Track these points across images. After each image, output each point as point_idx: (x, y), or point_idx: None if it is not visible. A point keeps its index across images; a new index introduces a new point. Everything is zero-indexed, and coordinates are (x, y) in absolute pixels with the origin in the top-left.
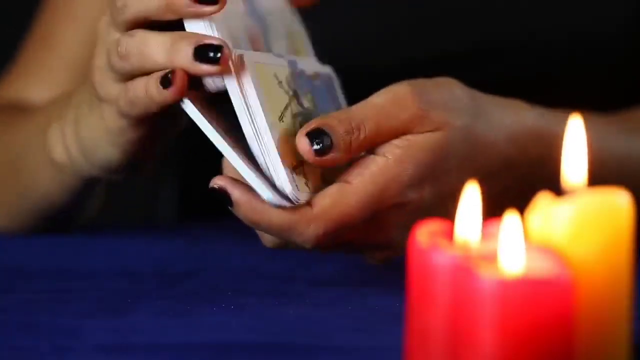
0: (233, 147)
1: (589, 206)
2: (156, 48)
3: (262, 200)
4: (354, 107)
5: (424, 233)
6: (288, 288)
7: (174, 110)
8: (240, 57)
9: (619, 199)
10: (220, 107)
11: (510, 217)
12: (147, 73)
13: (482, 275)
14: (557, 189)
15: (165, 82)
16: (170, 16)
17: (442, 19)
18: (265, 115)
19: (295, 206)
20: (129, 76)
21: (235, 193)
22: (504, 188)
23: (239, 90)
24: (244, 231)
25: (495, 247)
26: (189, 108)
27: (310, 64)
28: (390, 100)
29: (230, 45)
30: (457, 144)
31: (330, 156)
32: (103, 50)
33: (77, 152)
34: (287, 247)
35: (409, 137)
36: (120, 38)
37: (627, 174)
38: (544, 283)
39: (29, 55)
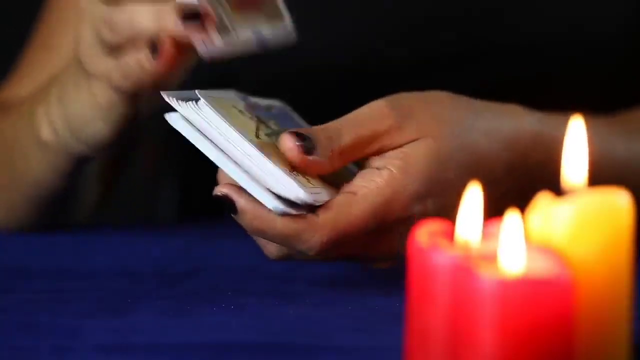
0: (233, 163)
1: (589, 206)
2: (145, 16)
3: (267, 209)
4: (332, 122)
5: (424, 233)
6: (288, 288)
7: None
8: (197, 100)
9: (619, 199)
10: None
11: (511, 217)
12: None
13: (482, 275)
14: (558, 191)
15: (154, 50)
16: None
17: (442, 20)
18: (242, 135)
19: (300, 215)
20: (119, 49)
21: (241, 201)
22: (505, 191)
23: (208, 125)
24: (244, 231)
25: (496, 247)
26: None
27: (260, 100)
28: (367, 112)
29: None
30: (454, 153)
31: (313, 158)
32: (89, 25)
33: (64, 129)
34: (290, 259)
35: (402, 149)
36: (110, 10)
37: (628, 175)
38: (544, 283)
39: (29, 59)
